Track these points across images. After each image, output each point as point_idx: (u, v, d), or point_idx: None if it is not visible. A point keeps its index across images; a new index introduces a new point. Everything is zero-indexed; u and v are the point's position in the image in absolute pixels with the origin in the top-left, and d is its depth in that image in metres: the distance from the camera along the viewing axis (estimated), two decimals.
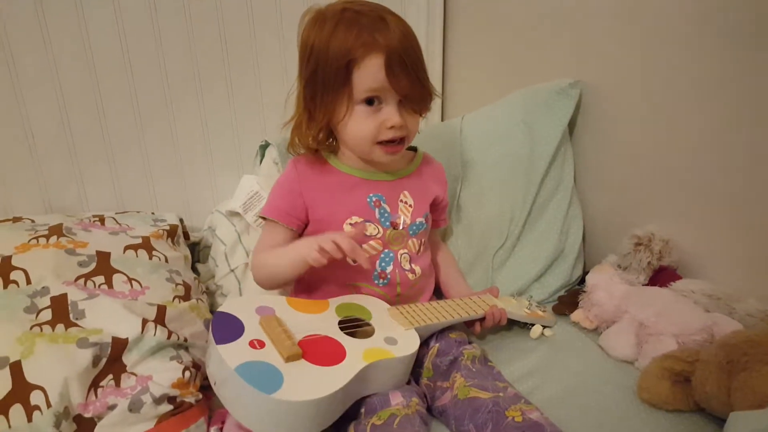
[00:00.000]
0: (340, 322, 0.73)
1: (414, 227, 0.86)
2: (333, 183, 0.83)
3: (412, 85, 0.76)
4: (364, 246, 0.82)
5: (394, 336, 0.72)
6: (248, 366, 0.60)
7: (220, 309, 0.69)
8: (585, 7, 1.05)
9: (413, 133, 0.82)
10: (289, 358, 0.62)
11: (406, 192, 0.87)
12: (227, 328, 0.65)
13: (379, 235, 0.83)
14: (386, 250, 0.83)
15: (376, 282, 0.83)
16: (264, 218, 0.85)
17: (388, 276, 0.83)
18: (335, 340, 0.69)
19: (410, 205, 0.87)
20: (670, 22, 0.91)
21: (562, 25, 1.11)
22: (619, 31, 1.00)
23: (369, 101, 0.76)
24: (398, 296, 0.84)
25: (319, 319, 0.72)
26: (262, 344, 0.64)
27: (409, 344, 0.71)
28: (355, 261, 0.76)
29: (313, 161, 0.85)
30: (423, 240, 0.89)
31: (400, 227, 0.85)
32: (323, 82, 0.76)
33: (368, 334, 0.72)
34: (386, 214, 0.84)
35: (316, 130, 0.81)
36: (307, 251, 0.73)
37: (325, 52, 0.74)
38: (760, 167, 0.82)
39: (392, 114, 0.77)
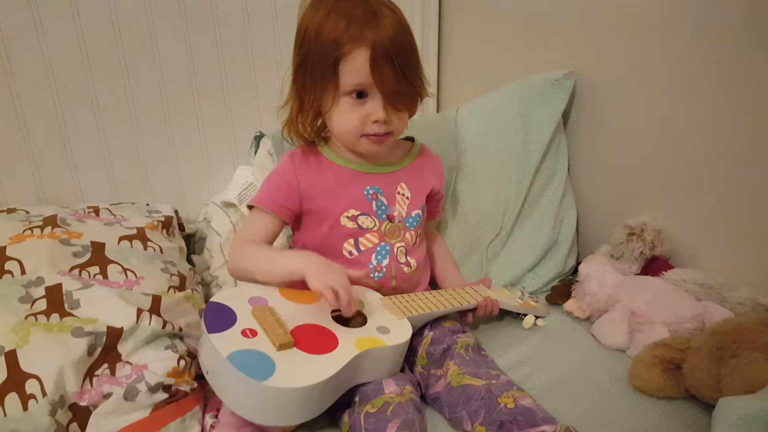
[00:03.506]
0: (332, 312, 0.73)
1: (410, 219, 0.86)
2: (330, 176, 0.83)
3: (398, 83, 0.75)
4: (360, 239, 0.82)
5: (387, 325, 0.72)
6: (240, 354, 0.60)
7: (212, 299, 0.69)
8: None
9: (399, 130, 0.81)
10: (281, 347, 0.62)
11: (403, 184, 0.87)
12: (220, 318, 0.65)
13: (375, 228, 0.83)
14: (382, 243, 0.83)
15: (372, 275, 0.83)
16: (252, 207, 0.83)
17: (384, 269, 0.83)
18: (327, 329, 0.69)
19: (407, 197, 0.87)
20: (664, 13, 0.91)
21: (557, 16, 1.11)
22: (613, 21, 1.00)
23: (356, 94, 0.75)
24: (393, 289, 0.84)
25: (312, 309, 0.72)
26: (254, 333, 0.64)
27: (402, 333, 0.72)
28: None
29: (308, 154, 0.84)
30: (419, 232, 0.89)
31: (396, 220, 0.85)
32: (312, 70, 0.75)
33: (361, 323, 0.72)
34: (383, 207, 0.84)
35: (308, 118, 0.81)
36: (317, 283, 0.67)
37: (315, 40, 0.74)
38: (752, 158, 0.83)
39: (377, 109, 0.76)
